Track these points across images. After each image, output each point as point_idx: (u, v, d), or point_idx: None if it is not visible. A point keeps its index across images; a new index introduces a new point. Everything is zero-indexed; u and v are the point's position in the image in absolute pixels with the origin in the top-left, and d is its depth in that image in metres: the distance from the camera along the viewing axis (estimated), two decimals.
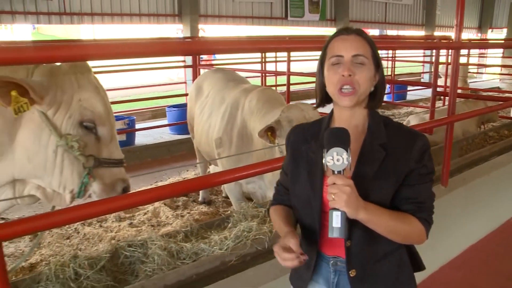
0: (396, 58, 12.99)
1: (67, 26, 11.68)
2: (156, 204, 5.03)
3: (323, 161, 1.34)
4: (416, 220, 1.43)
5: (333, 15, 14.85)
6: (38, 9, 9.23)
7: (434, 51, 6.84)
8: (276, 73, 8.84)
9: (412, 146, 1.45)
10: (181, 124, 7.18)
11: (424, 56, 15.49)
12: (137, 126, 7.93)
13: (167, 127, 8.32)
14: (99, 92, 2.03)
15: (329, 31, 15.42)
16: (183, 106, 7.74)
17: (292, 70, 6.61)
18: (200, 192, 5.30)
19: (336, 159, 1.32)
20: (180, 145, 7.74)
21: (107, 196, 2.07)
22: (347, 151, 1.32)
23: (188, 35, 11.02)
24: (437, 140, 5.64)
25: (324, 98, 1.59)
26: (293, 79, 7.39)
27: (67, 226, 4.59)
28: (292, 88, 7.45)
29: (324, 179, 1.48)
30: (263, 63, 9.42)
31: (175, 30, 16.90)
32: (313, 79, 11.81)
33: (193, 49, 2.43)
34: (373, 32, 16.58)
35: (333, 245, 1.52)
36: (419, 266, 1.66)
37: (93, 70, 2.15)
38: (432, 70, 6.95)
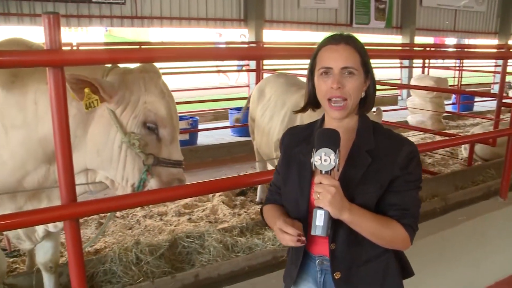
0: (464, 68, 12.54)
1: (138, 28, 12.23)
2: (215, 201, 5.18)
3: (311, 161, 1.36)
4: (400, 226, 1.44)
5: (399, 22, 14.56)
6: (112, 13, 9.76)
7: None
8: None
9: (398, 152, 1.46)
10: (243, 126, 7.32)
11: (495, 66, 14.84)
12: (200, 126, 8.16)
13: (229, 129, 8.50)
14: (163, 97, 2.17)
15: (395, 38, 15.14)
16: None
17: None
18: (258, 192, 5.41)
19: (324, 159, 1.34)
20: (240, 147, 7.87)
21: None
22: (335, 152, 1.34)
23: (253, 39, 11.21)
24: (501, 153, 5.44)
25: (312, 103, 1.62)
26: None
27: (129, 217, 4.83)
28: None
29: (312, 180, 1.48)
30: None
31: (238, 34, 17.21)
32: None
33: (259, 54, 2.53)
34: (448, 40, 15.97)
35: (319, 244, 1.53)
36: (408, 273, 1.65)
37: (164, 71, 2.31)
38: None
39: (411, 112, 9.98)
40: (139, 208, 4.98)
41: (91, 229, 4.48)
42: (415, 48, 11.07)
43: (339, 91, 1.44)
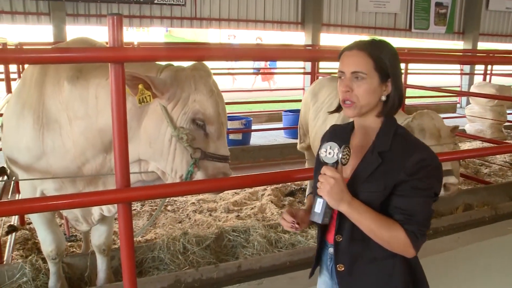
0: None
1: (196, 29, 12.53)
2: (263, 201, 5.27)
3: (319, 152, 1.48)
4: (402, 230, 1.46)
5: (462, 27, 14.08)
6: (173, 14, 10.10)
7: None
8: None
9: (407, 157, 1.49)
10: (296, 128, 7.37)
11: None
12: (253, 127, 8.29)
13: (282, 131, 8.58)
14: (212, 96, 2.27)
15: (457, 44, 14.67)
16: (299, 112, 7.94)
17: (411, 83, 6.48)
18: (306, 193, 5.46)
19: (328, 152, 1.45)
20: (292, 149, 7.87)
21: None
22: (339, 147, 1.44)
23: (309, 43, 11.24)
24: None
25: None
26: (410, 92, 7.19)
27: (180, 211, 5.01)
28: (409, 101, 7.26)
29: None
30: None
31: (296, 37, 17.26)
32: (432, 93, 11.21)
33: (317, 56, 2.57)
34: None
35: (332, 233, 1.61)
36: (419, 285, 1.64)
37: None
38: None
39: (469, 121, 9.66)
40: (190, 203, 5.16)
41: (143, 221, 4.68)
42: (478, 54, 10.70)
43: (348, 94, 1.54)
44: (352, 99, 1.54)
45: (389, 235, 1.46)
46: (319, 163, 1.55)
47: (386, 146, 1.53)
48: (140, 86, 2.10)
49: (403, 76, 6.62)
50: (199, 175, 2.26)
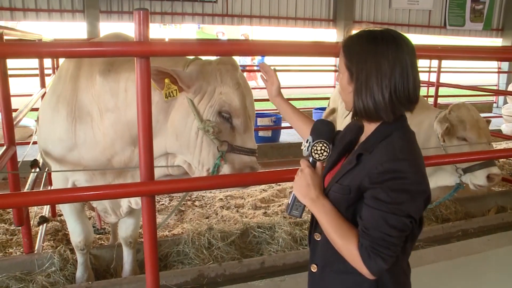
0: None
1: (228, 26, 12.58)
2: None
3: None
4: (355, 243, 1.33)
5: (501, 24, 13.64)
6: (204, 11, 10.18)
7: None
8: (429, 84, 8.53)
9: (378, 165, 1.32)
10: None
11: None
12: (283, 124, 8.27)
13: None
14: (238, 88, 2.26)
15: (495, 41, 14.24)
16: None
17: (445, 81, 6.34)
18: None
19: (304, 145, 1.47)
20: None
21: None
22: (312, 141, 1.44)
23: (341, 40, 11.11)
24: None
25: None
26: (444, 91, 7.06)
27: (208, 207, 5.04)
28: (443, 100, 7.13)
29: (329, 171, 1.56)
30: None
31: (328, 34, 17.11)
32: (465, 92, 10.90)
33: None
34: None
35: None
36: None
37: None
38: None
39: (506, 121, 9.40)
40: (218, 199, 5.19)
41: (171, 216, 4.74)
42: None
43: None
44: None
45: (341, 243, 1.35)
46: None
47: (368, 149, 1.39)
48: (167, 81, 2.12)
49: (435, 73, 6.51)
50: (225, 169, 2.26)
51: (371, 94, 1.36)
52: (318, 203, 1.41)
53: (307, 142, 1.45)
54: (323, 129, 1.49)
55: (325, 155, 1.43)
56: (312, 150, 1.43)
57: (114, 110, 2.34)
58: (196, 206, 5.05)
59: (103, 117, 2.37)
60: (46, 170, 3.22)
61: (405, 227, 1.31)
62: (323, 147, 1.42)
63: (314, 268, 1.53)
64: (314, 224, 1.54)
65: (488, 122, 3.55)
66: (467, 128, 3.26)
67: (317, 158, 1.44)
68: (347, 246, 1.34)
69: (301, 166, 1.44)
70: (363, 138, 1.49)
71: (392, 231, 1.30)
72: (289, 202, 1.48)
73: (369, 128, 1.45)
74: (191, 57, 2.37)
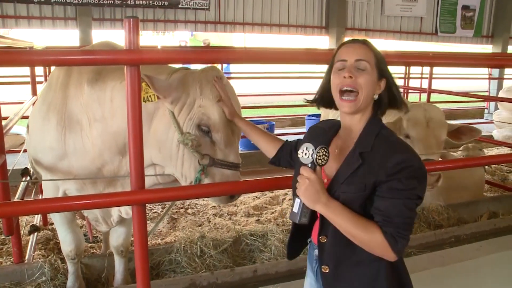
0: None
1: (221, 34, 12.59)
2: (284, 205, 5.24)
3: (297, 153, 1.50)
4: (380, 232, 1.43)
5: (491, 31, 13.79)
6: (197, 18, 10.20)
7: None
8: (421, 90, 8.57)
9: (388, 158, 1.46)
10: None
11: None
12: (276, 131, 8.26)
13: None
14: (218, 101, 2.15)
15: (485, 48, 14.37)
16: None
17: (436, 88, 6.37)
18: None
19: (304, 153, 1.47)
20: None
21: (213, 198, 2.29)
22: (314, 148, 1.44)
23: (334, 47, 11.17)
24: None
25: (322, 98, 1.72)
26: (435, 97, 7.09)
27: (200, 214, 5.02)
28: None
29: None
30: (407, 79, 9.19)
31: (322, 42, 17.17)
32: (457, 98, 10.96)
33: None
34: None
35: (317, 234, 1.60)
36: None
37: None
38: None
39: (497, 127, 9.46)
40: (210, 206, 5.17)
41: (163, 224, 4.71)
42: None
43: (351, 80, 1.52)
44: (356, 87, 1.52)
45: (367, 237, 1.44)
46: (299, 164, 1.54)
47: (367, 147, 1.51)
48: (143, 85, 2.07)
49: (427, 80, 6.56)
50: (206, 182, 2.20)
51: (392, 91, 1.60)
52: (331, 205, 1.46)
53: (306, 149, 1.46)
54: (320, 135, 1.57)
55: (325, 160, 1.45)
56: (317, 157, 1.44)
57: (102, 120, 2.31)
58: (188, 213, 5.03)
59: (91, 126, 2.35)
60: (34, 178, 3.18)
61: (416, 207, 1.48)
62: (324, 152, 1.45)
63: (325, 269, 1.58)
64: (320, 227, 1.58)
65: (478, 132, 3.39)
66: (409, 126, 3.20)
67: (320, 164, 1.45)
68: (372, 238, 1.43)
69: (304, 174, 1.45)
70: (342, 137, 1.62)
71: (411, 213, 1.45)
72: (296, 211, 1.49)
73: (354, 126, 1.58)
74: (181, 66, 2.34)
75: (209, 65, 2.26)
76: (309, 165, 1.47)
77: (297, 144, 1.94)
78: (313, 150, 1.45)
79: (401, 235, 1.43)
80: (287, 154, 1.98)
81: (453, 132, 3.31)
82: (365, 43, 1.60)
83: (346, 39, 1.62)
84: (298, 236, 1.78)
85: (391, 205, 1.44)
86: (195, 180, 2.17)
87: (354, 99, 1.53)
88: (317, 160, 1.44)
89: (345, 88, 1.54)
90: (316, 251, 1.65)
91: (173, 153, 2.20)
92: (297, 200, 1.49)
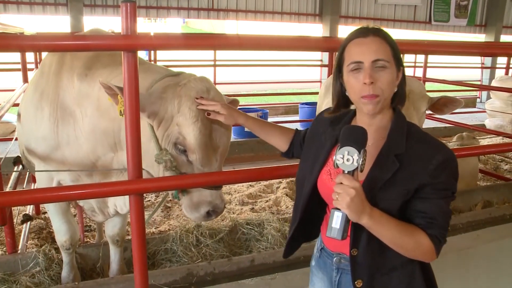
0: None
1: (214, 21, 12.50)
2: (278, 194, 5.23)
3: (334, 158, 1.29)
4: (425, 235, 1.35)
5: (484, 20, 13.80)
6: (190, 5, 10.08)
7: None
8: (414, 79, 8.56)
9: (430, 160, 1.36)
10: (311, 121, 7.26)
11: None
12: (270, 119, 8.23)
13: (299, 123, 8.52)
14: (195, 122, 1.97)
15: (478, 37, 14.39)
16: (316, 104, 7.87)
17: (430, 76, 6.37)
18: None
19: (346, 158, 1.26)
20: None
21: (189, 215, 2.12)
22: (359, 152, 1.26)
23: (327, 35, 11.14)
24: None
25: (342, 103, 1.55)
26: (429, 86, 7.10)
27: None
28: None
29: (323, 168, 1.51)
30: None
31: (315, 29, 17.11)
32: (450, 87, 11.00)
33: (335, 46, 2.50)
34: None
35: (338, 241, 1.32)
36: (432, 286, 1.54)
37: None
38: None
39: (489, 116, 9.49)
40: None
41: (157, 213, 4.68)
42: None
43: (372, 87, 1.36)
44: (376, 92, 1.37)
45: (413, 243, 1.34)
46: (321, 155, 1.48)
47: (401, 148, 1.38)
48: (119, 97, 1.92)
49: (421, 68, 6.55)
50: (183, 200, 2.10)
51: (405, 79, 1.49)
52: (376, 215, 1.31)
53: (348, 154, 1.26)
54: (360, 137, 1.31)
55: (364, 163, 1.28)
56: (362, 163, 1.26)
57: (91, 116, 2.25)
58: None
59: (84, 122, 2.29)
60: (26, 169, 3.11)
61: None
62: (364, 156, 1.28)
63: (359, 283, 1.44)
64: (352, 239, 1.41)
65: (459, 102, 3.14)
66: None
67: (362, 169, 1.28)
68: (420, 242, 1.35)
69: (346, 183, 1.25)
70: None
71: (450, 212, 1.42)
72: (337, 226, 1.26)
73: (378, 124, 1.46)
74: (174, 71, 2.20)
75: (200, 75, 2.11)
76: (346, 171, 1.27)
77: (305, 133, 1.82)
78: (358, 154, 1.26)
79: (443, 235, 1.37)
80: (298, 146, 1.85)
81: (434, 105, 3.25)
82: (377, 33, 1.42)
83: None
84: (299, 236, 1.70)
85: (434, 206, 1.36)
86: (173, 196, 2.10)
87: (377, 102, 1.39)
88: (362, 166, 1.27)
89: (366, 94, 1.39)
90: (336, 260, 1.54)
91: (154, 166, 2.09)
92: (337, 214, 1.26)
